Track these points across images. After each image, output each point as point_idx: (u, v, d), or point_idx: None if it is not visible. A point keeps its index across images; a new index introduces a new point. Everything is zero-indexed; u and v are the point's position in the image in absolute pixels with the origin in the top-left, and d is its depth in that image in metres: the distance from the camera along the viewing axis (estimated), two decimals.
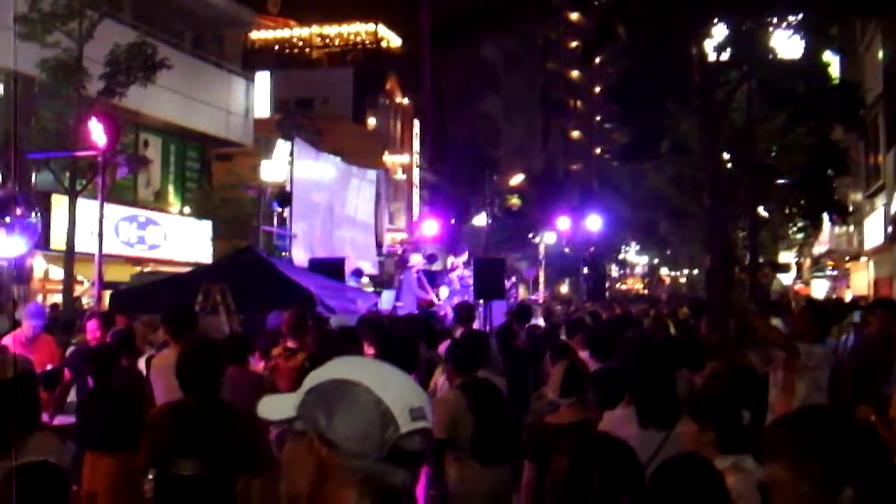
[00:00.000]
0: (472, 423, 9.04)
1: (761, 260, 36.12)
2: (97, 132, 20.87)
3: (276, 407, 2.84)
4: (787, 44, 23.90)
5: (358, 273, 33.89)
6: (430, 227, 53.05)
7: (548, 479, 5.86)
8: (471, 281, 29.61)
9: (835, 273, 51.57)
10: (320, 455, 2.72)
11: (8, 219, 13.18)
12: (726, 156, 29.09)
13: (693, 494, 5.01)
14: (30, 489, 5.09)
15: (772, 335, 10.94)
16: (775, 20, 21.48)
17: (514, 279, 48.10)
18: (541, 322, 25.24)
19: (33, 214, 13.65)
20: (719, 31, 20.42)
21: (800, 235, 47.07)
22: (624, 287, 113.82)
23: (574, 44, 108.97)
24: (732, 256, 25.67)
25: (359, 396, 2.70)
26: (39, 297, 29.31)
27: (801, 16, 21.43)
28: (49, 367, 13.13)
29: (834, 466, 3.44)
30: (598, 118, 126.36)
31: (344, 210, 45.04)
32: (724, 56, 20.84)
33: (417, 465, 2.74)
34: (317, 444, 2.73)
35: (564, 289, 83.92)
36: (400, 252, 48.14)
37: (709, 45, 20.05)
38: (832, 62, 37.28)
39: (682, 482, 5.06)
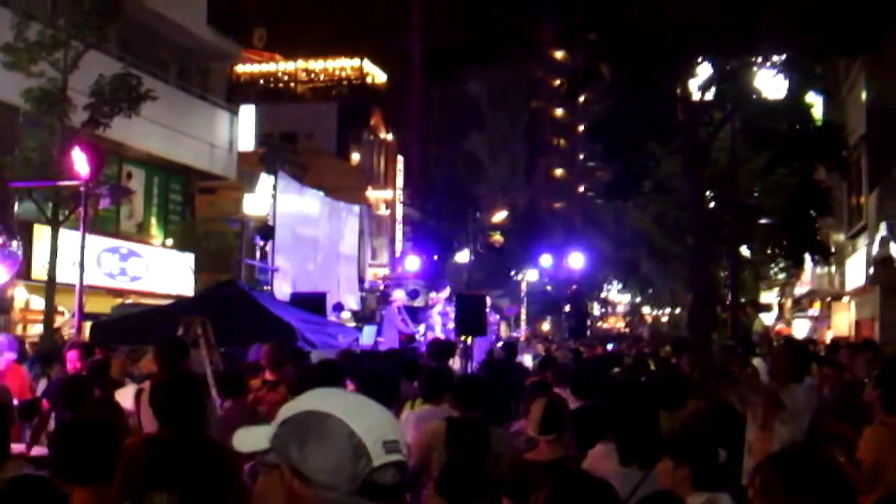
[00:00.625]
0: (444, 458, 9.03)
1: (743, 300, 36.16)
2: (80, 162, 20.82)
3: (250, 439, 2.80)
4: (771, 84, 24.00)
5: (339, 308, 33.89)
6: (413, 263, 53.08)
7: None
8: (452, 317, 29.60)
9: (816, 314, 51.58)
10: (292, 488, 2.67)
11: None
12: (709, 195, 29.17)
13: None
14: (27, 499, 5.09)
15: (758, 389, 11.00)
16: (760, 60, 21.59)
17: (497, 317, 48.14)
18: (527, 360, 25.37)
19: (15, 243, 13.58)
20: (704, 71, 20.50)
21: (782, 275, 47.21)
22: (606, 325, 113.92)
23: (558, 82, 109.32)
24: (715, 295, 25.71)
25: (331, 428, 2.64)
26: (20, 328, 29.19)
27: (784, 56, 21.56)
28: (22, 398, 13.07)
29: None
30: (581, 156, 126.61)
31: (337, 245, 45.21)
32: (709, 95, 20.92)
33: (392, 498, 2.67)
34: (288, 477, 2.66)
35: (546, 326, 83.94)
36: (382, 287, 48.08)
37: (693, 85, 20.13)
38: (815, 103, 37.46)
39: None
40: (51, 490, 5.35)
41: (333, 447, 2.62)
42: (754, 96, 23.68)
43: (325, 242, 44.88)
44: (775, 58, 21.59)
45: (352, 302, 45.62)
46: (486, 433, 9.37)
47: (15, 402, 12.43)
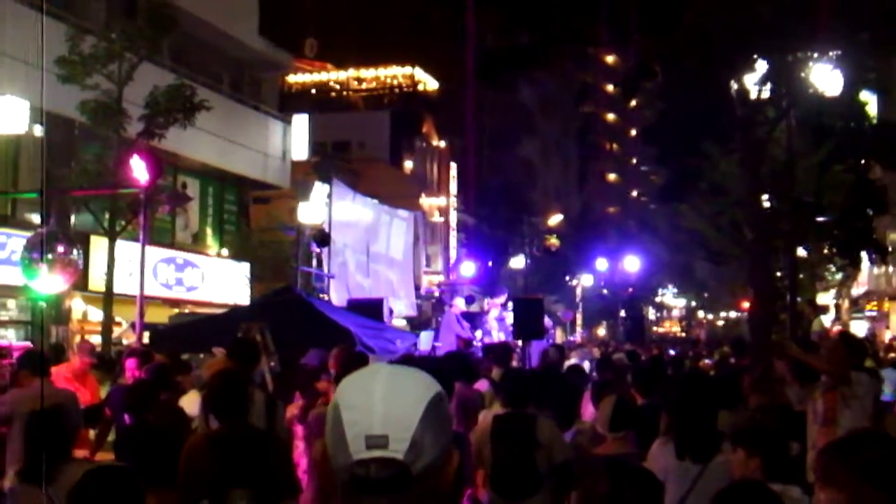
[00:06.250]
0: (491, 456, 9.08)
1: (799, 300, 35.92)
2: (139, 169, 20.85)
3: None
4: (826, 79, 23.86)
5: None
6: (468, 269, 53.07)
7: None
8: (510, 321, 29.51)
9: (874, 314, 51.21)
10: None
11: (49, 256, 13.18)
12: (765, 196, 28.99)
13: None
14: (107, 488, 5.18)
15: (825, 367, 11.13)
16: (815, 55, 21.48)
17: (551, 322, 47.94)
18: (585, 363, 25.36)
19: (75, 252, 13.66)
20: (760, 67, 20.44)
21: (838, 276, 46.88)
22: (661, 330, 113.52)
23: (610, 87, 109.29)
24: (775, 293, 25.54)
25: (332, 414, 2.58)
26: (77, 338, 29.36)
27: (840, 51, 21.43)
28: (90, 404, 13.18)
29: (890, 491, 3.48)
30: (634, 160, 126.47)
31: (375, 248, 45.15)
32: (765, 93, 20.83)
33: (384, 492, 2.53)
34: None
35: (602, 331, 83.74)
36: (437, 294, 48.05)
37: (748, 81, 20.05)
38: (870, 101, 37.13)
39: None
40: (129, 479, 5.40)
41: (331, 433, 2.58)
42: (810, 90, 23.54)
43: (376, 249, 44.93)
44: (831, 53, 21.51)
45: (406, 308, 45.57)
46: (533, 426, 9.35)
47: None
